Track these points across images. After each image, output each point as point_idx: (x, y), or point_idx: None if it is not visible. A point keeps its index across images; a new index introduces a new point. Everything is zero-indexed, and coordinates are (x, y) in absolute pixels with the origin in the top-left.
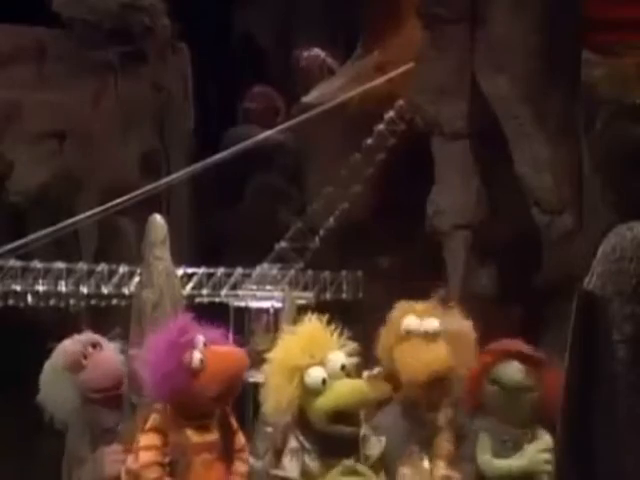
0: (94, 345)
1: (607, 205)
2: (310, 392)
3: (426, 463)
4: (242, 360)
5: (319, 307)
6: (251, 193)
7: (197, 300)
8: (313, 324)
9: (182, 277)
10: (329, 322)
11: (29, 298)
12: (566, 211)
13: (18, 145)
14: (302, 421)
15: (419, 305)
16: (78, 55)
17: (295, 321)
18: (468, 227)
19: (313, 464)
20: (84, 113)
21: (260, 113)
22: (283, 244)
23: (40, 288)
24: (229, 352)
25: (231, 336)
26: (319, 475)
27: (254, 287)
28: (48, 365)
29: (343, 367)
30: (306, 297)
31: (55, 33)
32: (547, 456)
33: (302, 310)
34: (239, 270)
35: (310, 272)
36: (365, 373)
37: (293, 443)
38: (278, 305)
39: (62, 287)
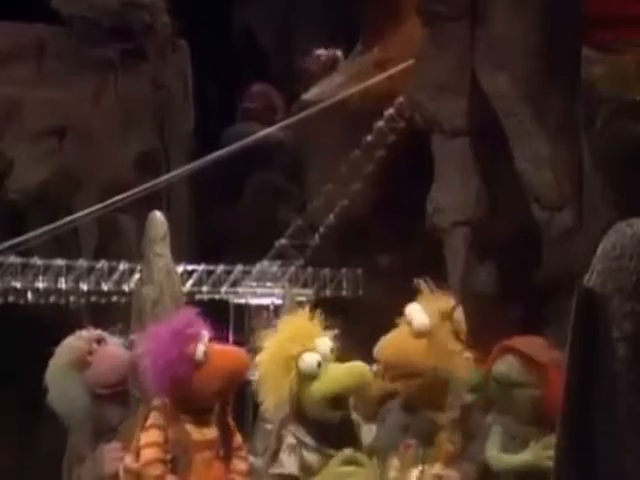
0: (98, 341)
1: (607, 202)
2: (306, 378)
3: (419, 458)
4: (245, 359)
5: (319, 304)
6: (251, 190)
7: (197, 297)
8: (293, 317)
9: (182, 274)
10: (311, 314)
11: (29, 295)
12: (566, 208)
13: (18, 143)
14: (299, 412)
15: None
16: (78, 53)
17: None
18: (468, 224)
19: (312, 457)
20: (84, 111)
21: (259, 112)
22: (283, 241)
23: (40, 285)
24: (232, 350)
25: (231, 333)
26: (318, 468)
27: (254, 284)
28: (53, 364)
29: (332, 350)
30: (306, 294)
31: (55, 30)
32: (550, 453)
33: (302, 307)
34: (239, 267)
35: (310, 269)
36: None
37: (290, 439)
38: (278, 302)
39: (62, 284)
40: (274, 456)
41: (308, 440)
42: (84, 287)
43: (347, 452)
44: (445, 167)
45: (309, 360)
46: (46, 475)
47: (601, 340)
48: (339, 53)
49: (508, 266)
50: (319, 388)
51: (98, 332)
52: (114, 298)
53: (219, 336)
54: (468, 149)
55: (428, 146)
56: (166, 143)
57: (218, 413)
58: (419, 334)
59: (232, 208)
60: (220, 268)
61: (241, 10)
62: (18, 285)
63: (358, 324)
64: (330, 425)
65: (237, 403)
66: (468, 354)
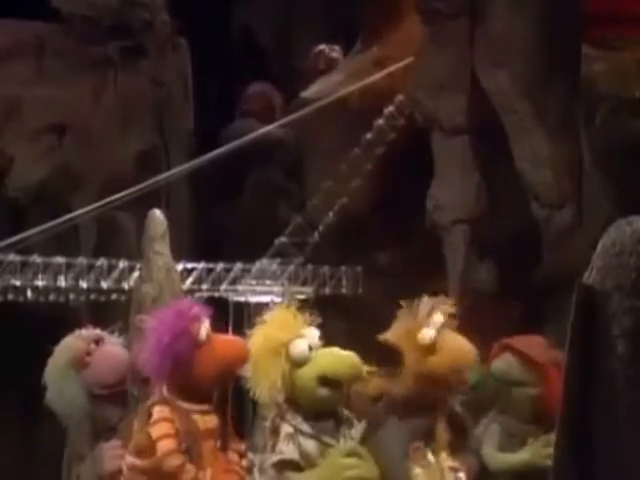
0: (96, 341)
1: (607, 200)
2: (298, 364)
3: (430, 456)
4: (245, 349)
5: (318, 302)
6: (250, 188)
7: (197, 295)
8: (279, 310)
9: (182, 272)
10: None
11: (29, 293)
12: (566, 206)
13: (18, 141)
14: (294, 401)
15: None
16: (78, 51)
17: None
18: (468, 222)
19: (310, 446)
20: (83, 109)
21: (258, 111)
22: (283, 239)
23: (39, 283)
24: (234, 338)
25: (230, 331)
26: (317, 457)
27: (253, 282)
28: (51, 364)
29: (320, 338)
30: (305, 292)
31: (55, 28)
32: (549, 451)
33: (301, 305)
34: (239, 265)
35: (309, 267)
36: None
37: (287, 428)
38: (278, 300)
39: (61, 282)
40: (273, 448)
41: (305, 428)
42: (84, 285)
43: (350, 444)
44: (445, 165)
45: (300, 345)
46: (46, 474)
47: (601, 337)
48: (339, 51)
49: (508, 264)
50: (311, 368)
51: (97, 332)
52: (114, 296)
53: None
54: (468, 147)
55: (428, 144)
56: (166, 141)
57: (216, 404)
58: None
59: (232, 206)
60: (220, 266)
61: (241, 8)
62: (18, 283)
63: (358, 322)
64: (326, 412)
65: (236, 401)
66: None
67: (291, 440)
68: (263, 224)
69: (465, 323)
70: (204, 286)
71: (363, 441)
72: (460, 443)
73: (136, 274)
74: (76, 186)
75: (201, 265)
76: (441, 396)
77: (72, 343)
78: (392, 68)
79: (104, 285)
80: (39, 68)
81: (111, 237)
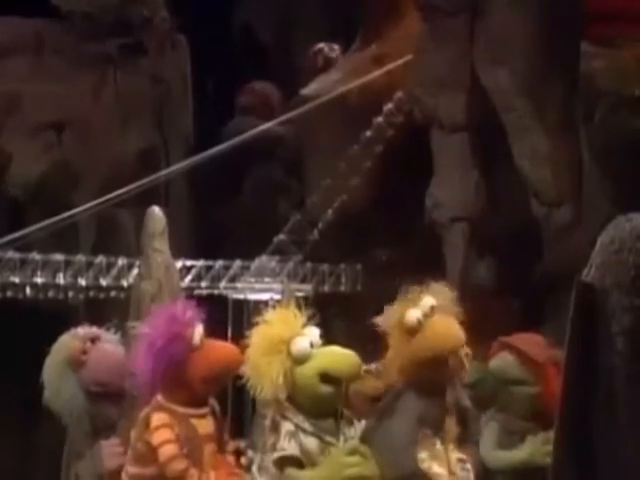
0: (93, 339)
1: (606, 197)
2: (299, 361)
3: (439, 445)
4: (237, 355)
5: (318, 299)
6: (250, 186)
7: (196, 292)
8: (278, 310)
9: (181, 269)
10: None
11: (27, 290)
12: (565, 203)
13: (17, 137)
14: (295, 399)
15: (400, 303)
16: (77, 48)
17: None
18: (467, 220)
19: (310, 443)
20: (83, 105)
21: (257, 108)
22: (282, 236)
23: (39, 280)
24: (227, 346)
25: (230, 328)
26: (317, 454)
27: (253, 279)
28: (48, 363)
29: (321, 337)
30: (305, 289)
31: (54, 25)
32: (549, 449)
33: (301, 302)
34: (238, 262)
35: (309, 264)
36: (363, 367)
37: (288, 426)
38: (277, 297)
39: (60, 279)
40: (274, 446)
41: (307, 426)
42: (83, 282)
43: (352, 442)
44: (444, 162)
45: (301, 343)
46: (45, 472)
47: (600, 334)
48: (338, 49)
49: (507, 261)
50: (312, 366)
51: (93, 330)
52: (113, 293)
53: (217, 331)
54: (467, 144)
55: (427, 141)
56: (165, 138)
57: (210, 408)
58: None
59: (231, 203)
60: (219, 263)
61: (241, 6)
62: (17, 280)
63: (356, 319)
64: (326, 410)
65: (236, 399)
66: (467, 349)
67: (292, 437)
68: (262, 221)
69: (463, 320)
70: (203, 283)
71: (363, 439)
72: (464, 436)
73: (135, 271)
74: (75, 183)
75: (200, 262)
76: (438, 381)
77: (68, 342)
78: (391, 65)
79: (103, 282)
80: (39, 65)
81: (110, 234)
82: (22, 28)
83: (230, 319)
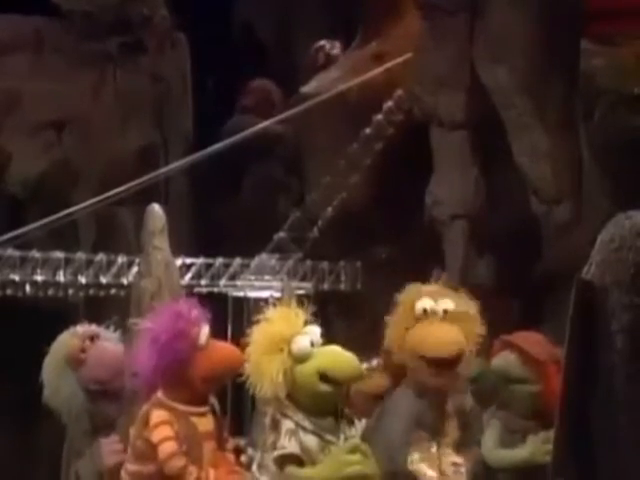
0: (91, 337)
1: (606, 195)
2: (300, 360)
3: (434, 449)
4: (240, 357)
5: (317, 297)
6: (249, 183)
7: (196, 290)
8: (279, 308)
9: (181, 267)
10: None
11: (27, 288)
12: (565, 201)
13: (17, 136)
14: (295, 397)
15: (429, 287)
16: (77, 46)
17: None
18: (466, 217)
19: (310, 442)
20: (83, 104)
21: (257, 107)
22: (282, 234)
23: (39, 278)
24: (230, 347)
25: (230, 326)
26: (317, 452)
27: (253, 277)
28: (48, 362)
29: (322, 336)
30: (305, 287)
31: (54, 24)
32: (550, 447)
33: (301, 300)
34: (238, 260)
35: (309, 262)
36: (364, 365)
37: (289, 424)
38: (277, 295)
39: (60, 277)
40: (274, 444)
41: (307, 424)
42: (83, 280)
43: (353, 441)
44: (444, 160)
45: (302, 342)
46: (45, 469)
47: (600, 332)
48: (338, 47)
49: (507, 259)
50: (312, 364)
51: (92, 328)
52: (113, 291)
53: (217, 328)
54: (467, 142)
55: (427, 139)
56: (165, 136)
57: (210, 406)
58: (446, 317)
59: (231, 201)
60: (219, 261)
61: (241, 4)
62: (17, 278)
63: (356, 317)
64: (326, 408)
65: (236, 397)
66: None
67: (292, 435)
68: (262, 219)
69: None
70: (203, 281)
71: (363, 438)
72: (466, 439)
73: (135, 269)
74: (75, 181)
75: (200, 260)
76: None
77: (67, 340)
78: (391, 63)
79: (103, 280)
80: (38, 63)
81: (110, 232)
82: (22, 26)
83: (230, 317)
